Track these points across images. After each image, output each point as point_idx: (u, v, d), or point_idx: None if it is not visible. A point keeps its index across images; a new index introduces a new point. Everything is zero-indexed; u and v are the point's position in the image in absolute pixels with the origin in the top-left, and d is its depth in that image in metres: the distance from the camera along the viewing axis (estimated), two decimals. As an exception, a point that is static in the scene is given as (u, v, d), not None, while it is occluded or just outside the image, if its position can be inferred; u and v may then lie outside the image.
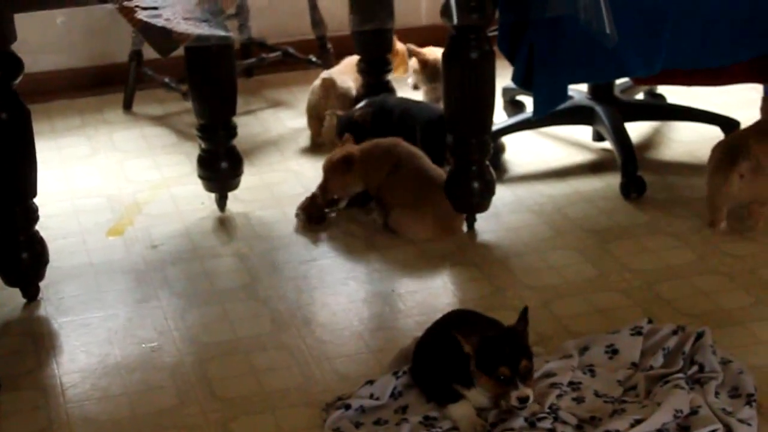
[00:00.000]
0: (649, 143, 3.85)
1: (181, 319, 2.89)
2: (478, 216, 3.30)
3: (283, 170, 3.74)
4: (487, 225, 3.31)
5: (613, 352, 2.57)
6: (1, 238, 2.90)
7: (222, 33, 2.89)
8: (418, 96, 3.96)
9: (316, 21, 4.25)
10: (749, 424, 2.31)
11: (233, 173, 3.40)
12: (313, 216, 3.36)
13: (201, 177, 3.41)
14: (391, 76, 3.92)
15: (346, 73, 3.95)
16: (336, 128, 3.64)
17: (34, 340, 2.82)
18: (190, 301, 2.97)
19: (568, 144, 3.86)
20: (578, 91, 3.76)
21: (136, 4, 2.74)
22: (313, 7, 4.25)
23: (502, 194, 3.48)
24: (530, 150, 3.81)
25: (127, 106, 4.27)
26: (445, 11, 3.04)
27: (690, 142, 3.83)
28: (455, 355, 2.33)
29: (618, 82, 3.77)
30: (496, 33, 3.36)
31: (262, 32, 4.44)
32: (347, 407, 2.43)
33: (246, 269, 3.13)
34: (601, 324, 2.76)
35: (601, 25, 2.89)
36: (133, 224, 3.41)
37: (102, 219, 3.45)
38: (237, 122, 3.36)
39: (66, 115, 4.26)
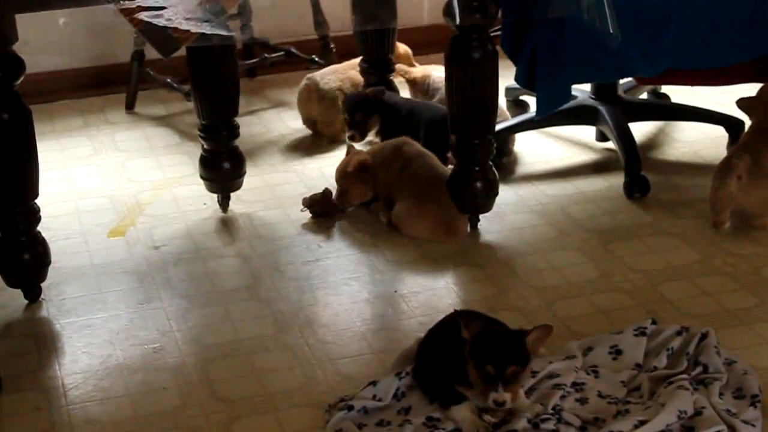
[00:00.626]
0: (653, 143, 3.84)
1: (183, 320, 2.88)
2: (482, 216, 3.29)
3: (286, 171, 3.73)
4: (490, 225, 3.30)
5: (616, 352, 2.56)
6: (3, 239, 2.89)
7: (224, 33, 2.88)
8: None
9: (319, 21, 4.25)
10: (753, 425, 2.30)
11: (235, 174, 3.39)
12: (325, 212, 3.37)
13: (203, 178, 3.40)
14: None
15: (332, 73, 3.94)
16: (343, 106, 3.66)
17: (36, 341, 2.81)
18: (192, 302, 2.96)
19: (571, 144, 3.85)
20: (582, 90, 3.75)
21: (138, 4, 2.73)
22: (316, 8, 4.24)
23: (506, 194, 3.47)
24: (534, 150, 3.80)
25: (130, 107, 4.27)
26: (448, 11, 3.03)
27: (694, 142, 3.82)
28: (457, 355, 2.32)
29: (622, 81, 3.76)
30: (499, 33, 3.36)
31: (264, 32, 4.43)
32: (350, 408, 2.42)
33: (248, 270, 3.12)
34: (605, 325, 2.75)
35: (604, 24, 2.88)
36: (135, 225, 3.40)
37: (104, 220, 3.44)
38: (239, 122, 3.35)
39: (68, 116, 4.25)
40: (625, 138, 3.51)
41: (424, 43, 4.00)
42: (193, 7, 2.85)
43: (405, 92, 3.95)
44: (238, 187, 3.43)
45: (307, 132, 3.99)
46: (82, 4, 2.74)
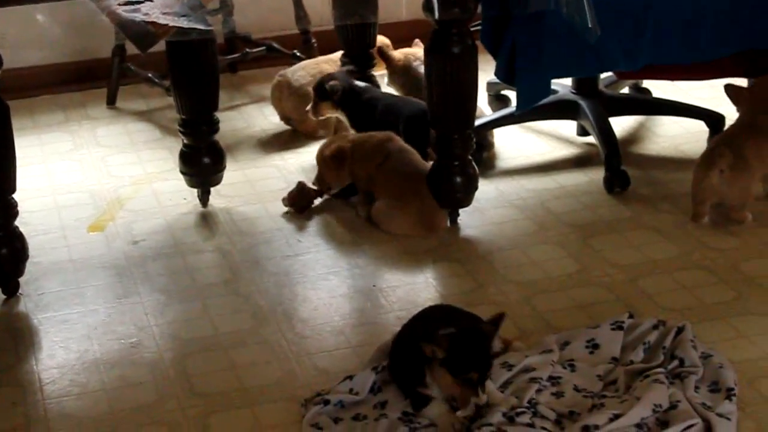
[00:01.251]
0: (633, 138, 3.84)
1: (162, 314, 2.87)
2: (462, 211, 3.29)
3: (266, 165, 3.72)
4: (470, 220, 3.30)
5: (593, 346, 2.57)
6: (-20, 234, 2.88)
7: (202, 27, 2.87)
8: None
9: (300, 15, 4.24)
10: (728, 419, 2.30)
11: (215, 168, 3.38)
12: (301, 206, 3.37)
13: (183, 172, 3.39)
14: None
15: (304, 69, 3.94)
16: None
17: (13, 337, 2.80)
18: (170, 297, 2.95)
19: (552, 138, 3.85)
20: (563, 85, 3.76)
21: (116, -1, 2.73)
22: (297, 2, 4.24)
23: (486, 189, 3.47)
24: (515, 145, 3.80)
25: (111, 102, 4.26)
26: (427, 6, 3.03)
27: (675, 136, 3.82)
28: (418, 364, 2.32)
29: (602, 76, 3.76)
30: (479, 28, 3.35)
31: (246, 27, 4.42)
32: (326, 403, 2.41)
33: (227, 265, 3.12)
34: (583, 319, 2.76)
35: (583, 19, 2.88)
36: (114, 220, 3.39)
37: (83, 215, 3.43)
38: (220, 117, 3.35)
39: (49, 111, 4.24)
40: (605, 132, 3.51)
41: (404, 39, 3.98)
42: (171, 2, 2.85)
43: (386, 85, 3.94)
44: (217, 181, 3.42)
45: (288, 127, 3.98)
46: (57, -1, 2.73)
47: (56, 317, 2.87)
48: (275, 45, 4.30)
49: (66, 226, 3.36)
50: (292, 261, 3.12)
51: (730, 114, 3.82)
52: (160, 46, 3.16)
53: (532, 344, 2.62)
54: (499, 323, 2.34)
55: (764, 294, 2.84)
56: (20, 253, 2.94)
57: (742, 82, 3.65)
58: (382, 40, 3.98)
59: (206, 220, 3.38)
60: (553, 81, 3.69)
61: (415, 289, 2.97)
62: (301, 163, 3.72)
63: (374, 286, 2.98)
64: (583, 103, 3.63)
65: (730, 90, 3.31)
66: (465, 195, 3.22)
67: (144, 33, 2.78)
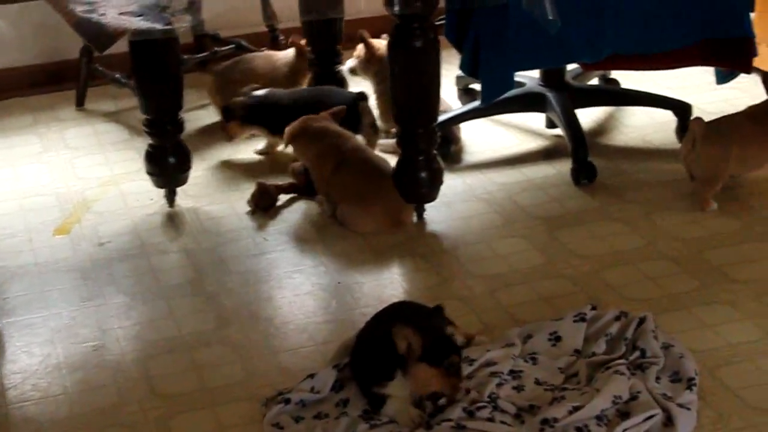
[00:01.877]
0: (602, 129, 3.84)
1: (126, 316, 2.86)
2: (429, 206, 3.28)
3: (235, 165, 3.71)
4: (437, 215, 3.29)
5: (556, 339, 2.56)
6: (-59, 239, 2.87)
7: (159, 26, 2.86)
8: (358, 82, 3.92)
9: (267, 13, 4.22)
10: (689, 408, 2.30)
11: (181, 168, 3.37)
12: (265, 206, 3.36)
13: (149, 173, 3.38)
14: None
15: (236, 64, 3.98)
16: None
17: (-24, 342, 2.80)
18: (134, 299, 2.94)
19: (521, 131, 3.85)
20: (530, 77, 3.75)
21: (71, -1, 2.72)
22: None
23: (453, 183, 3.46)
24: (483, 138, 3.79)
25: (80, 104, 4.24)
26: (388, 0, 3.02)
27: (642, 127, 3.82)
28: (368, 355, 2.33)
29: (570, 68, 3.75)
30: (443, 22, 3.35)
31: (214, 25, 4.40)
32: (287, 402, 2.41)
33: (192, 265, 3.11)
34: (547, 311, 2.75)
35: (543, 11, 2.87)
36: (80, 222, 3.38)
37: (50, 218, 3.42)
38: (190, 116, 3.34)
39: (18, 114, 4.23)
40: (571, 125, 3.50)
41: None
42: (128, 2, 2.83)
43: (355, 83, 3.93)
44: (183, 181, 3.41)
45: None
46: (10, 1, 2.71)
47: (20, 322, 2.86)
48: (243, 43, 4.29)
49: (32, 230, 3.34)
50: (258, 260, 3.11)
51: (699, 104, 3.84)
52: (126, 45, 3.16)
53: (496, 338, 2.62)
54: (442, 311, 2.37)
55: (728, 282, 2.83)
56: (-17, 257, 2.93)
57: (712, 71, 3.65)
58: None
59: (173, 220, 3.37)
60: (521, 73, 3.72)
61: (380, 285, 2.96)
62: (267, 162, 3.70)
63: (339, 283, 2.97)
64: (550, 95, 3.62)
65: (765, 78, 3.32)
66: (430, 190, 3.22)
67: (100, 33, 2.76)
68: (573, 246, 3.07)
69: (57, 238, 3.30)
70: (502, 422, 2.27)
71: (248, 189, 3.45)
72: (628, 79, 4.07)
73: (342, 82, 3.88)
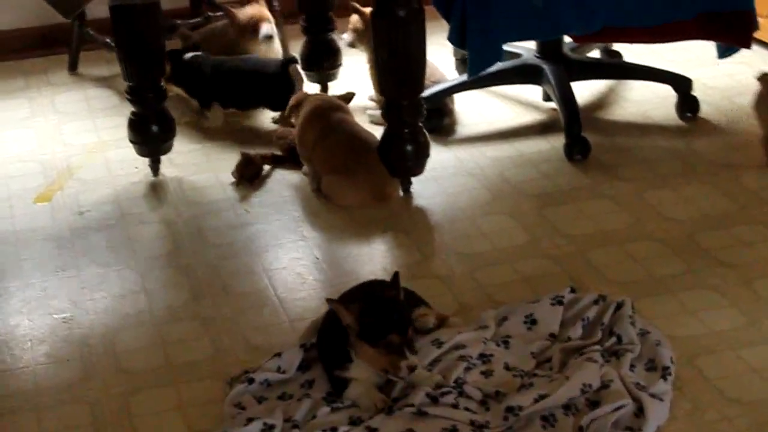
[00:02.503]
0: (602, 102, 3.74)
1: (98, 288, 2.80)
2: (417, 180, 3.20)
3: (223, 133, 3.64)
4: (424, 189, 3.21)
5: (531, 322, 2.48)
6: None
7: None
8: (355, 55, 3.83)
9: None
10: (661, 399, 2.22)
11: (164, 137, 3.31)
12: (250, 176, 3.30)
13: (131, 141, 3.32)
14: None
15: (203, 29, 3.99)
16: None
17: (-55, 311, 2.75)
18: (109, 270, 2.88)
19: (517, 104, 3.75)
20: (527, 49, 3.65)
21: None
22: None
23: (444, 157, 3.39)
24: (478, 111, 3.70)
25: (72, 68, 4.18)
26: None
27: (643, 101, 3.72)
28: (328, 339, 2.26)
29: (567, 39, 3.65)
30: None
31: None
32: (250, 381, 2.34)
33: (171, 236, 3.05)
34: (527, 293, 2.67)
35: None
36: (62, 190, 3.32)
37: (32, 184, 3.36)
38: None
39: (10, 77, 4.17)
40: (566, 98, 3.41)
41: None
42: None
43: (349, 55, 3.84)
44: (167, 150, 3.35)
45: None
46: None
47: (-9, 291, 2.81)
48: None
49: (13, 196, 3.29)
50: (238, 232, 3.04)
51: (703, 78, 3.73)
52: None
53: (471, 319, 2.54)
54: (397, 281, 2.28)
55: (716, 266, 2.74)
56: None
57: (711, 44, 3.54)
58: None
59: (155, 189, 3.31)
60: (517, 44, 3.62)
61: (359, 261, 2.89)
62: (256, 131, 3.63)
63: (318, 258, 2.90)
64: (546, 67, 3.52)
65: None
66: (416, 163, 3.14)
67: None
68: (560, 225, 2.99)
69: (38, 205, 3.24)
70: (467, 409, 2.20)
71: (236, 159, 3.37)
72: (630, 51, 3.96)
73: (335, 51, 3.80)
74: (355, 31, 3.68)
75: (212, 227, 3.07)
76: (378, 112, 3.47)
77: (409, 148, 3.10)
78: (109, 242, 3.02)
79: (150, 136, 3.28)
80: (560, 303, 2.51)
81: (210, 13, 4.17)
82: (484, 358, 2.36)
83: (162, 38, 3.22)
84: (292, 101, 3.28)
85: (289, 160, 3.34)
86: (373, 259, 2.91)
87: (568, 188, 3.19)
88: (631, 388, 2.23)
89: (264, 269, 2.86)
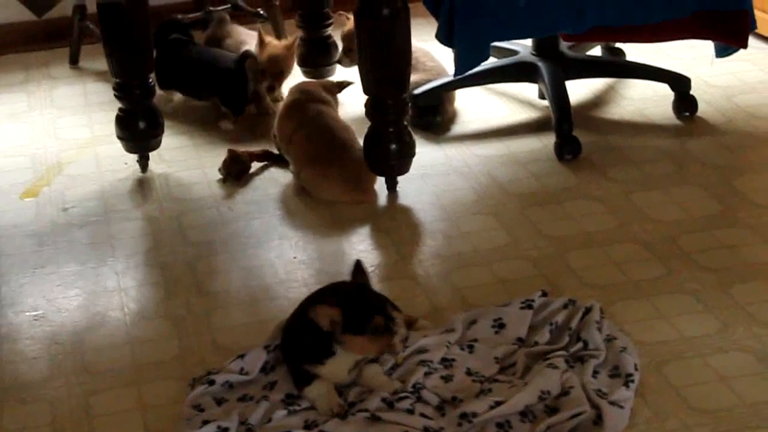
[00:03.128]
0: (599, 101, 3.69)
1: (73, 286, 2.80)
2: (404, 178, 3.17)
3: (214, 130, 3.62)
4: (410, 188, 3.18)
5: (499, 326, 2.44)
6: None
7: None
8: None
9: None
10: (621, 407, 2.17)
11: (152, 133, 3.30)
12: (237, 173, 3.28)
13: (119, 137, 3.31)
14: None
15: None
16: None
17: None
18: (86, 268, 2.87)
19: (514, 102, 3.70)
20: (523, 46, 3.61)
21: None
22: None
23: (434, 155, 3.35)
24: (474, 108, 3.66)
25: (74, 61, 4.18)
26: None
27: (642, 100, 3.66)
28: (305, 334, 2.23)
29: (564, 37, 3.59)
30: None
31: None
32: (211, 383, 2.32)
33: (152, 233, 3.03)
34: (501, 295, 2.63)
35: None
36: (50, 185, 3.32)
37: (21, 179, 3.36)
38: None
39: (11, 71, 4.17)
40: (558, 96, 3.35)
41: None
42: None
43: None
44: (155, 146, 3.34)
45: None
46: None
47: (-31, 288, 2.81)
48: (240, 3, 4.18)
49: (1, 191, 3.29)
50: (218, 230, 3.03)
51: (706, 76, 3.67)
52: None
53: (441, 322, 2.51)
54: (361, 267, 2.29)
55: (696, 270, 2.69)
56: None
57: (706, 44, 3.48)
58: None
59: (142, 186, 3.30)
60: (514, 42, 3.57)
61: (336, 261, 2.86)
62: (245, 128, 3.61)
63: (295, 258, 2.88)
64: (541, 65, 3.47)
65: None
66: (400, 162, 3.10)
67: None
68: (542, 226, 2.94)
69: (24, 201, 3.24)
70: (422, 414, 2.17)
71: (224, 156, 3.35)
72: (633, 49, 3.90)
73: (331, 48, 3.77)
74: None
75: (194, 225, 3.06)
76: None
77: (393, 147, 3.07)
78: (90, 239, 3.02)
79: (137, 132, 3.27)
80: (530, 307, 2.47)
81: (210, 8, 4.15)
82: (446, 362, 2.33)
83: (148, 34, 3.20)
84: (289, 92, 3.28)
85: (278, 157, 3.31)
86: (351, 259, 2.84)
87: (555, 188, 3.14)
88: (591, 395, 2.19)
89: (240, 268, 2.84)
